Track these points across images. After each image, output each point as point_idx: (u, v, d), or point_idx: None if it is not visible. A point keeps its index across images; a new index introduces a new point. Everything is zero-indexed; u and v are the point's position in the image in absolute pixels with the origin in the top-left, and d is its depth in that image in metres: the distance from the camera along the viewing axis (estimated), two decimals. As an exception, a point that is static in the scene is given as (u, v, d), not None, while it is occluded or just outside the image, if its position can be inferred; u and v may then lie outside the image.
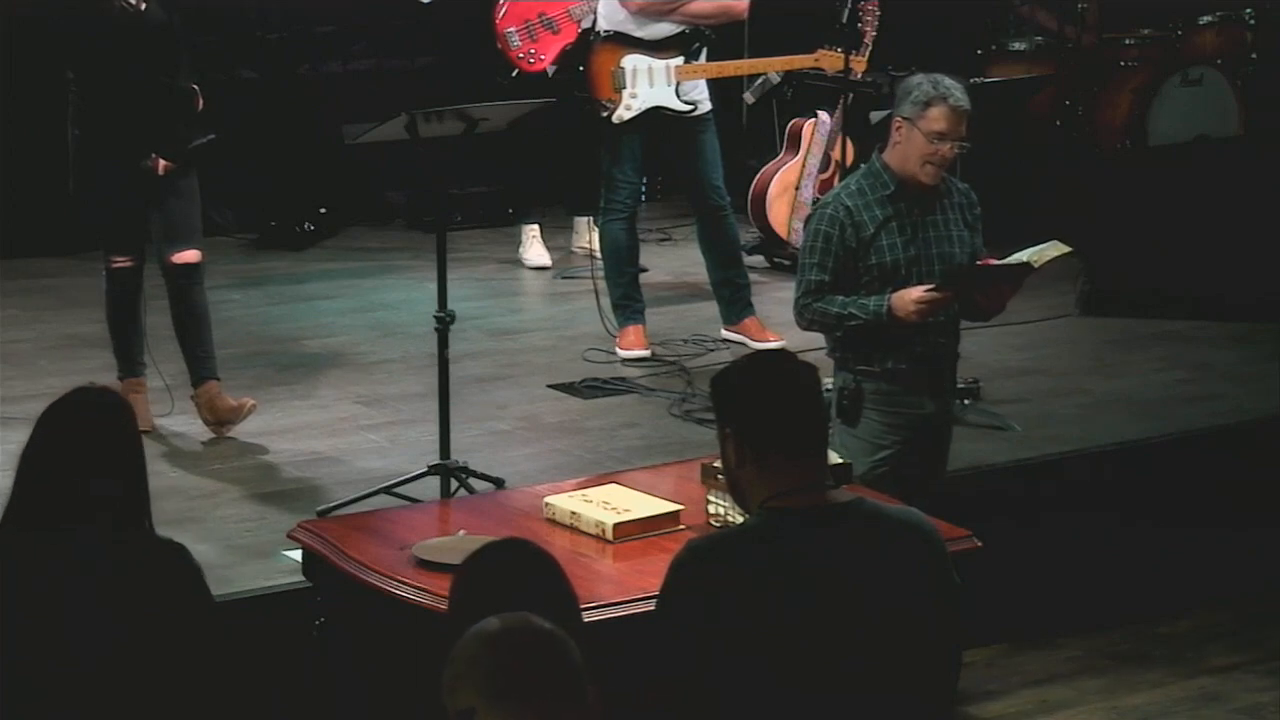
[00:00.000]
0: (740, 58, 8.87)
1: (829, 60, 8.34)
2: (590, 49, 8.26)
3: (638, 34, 8.18)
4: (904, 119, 5.76)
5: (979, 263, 5.82)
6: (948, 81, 5.76)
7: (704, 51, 8.26)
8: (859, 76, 8.55)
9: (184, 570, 3.96)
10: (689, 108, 8.18)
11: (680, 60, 8.17)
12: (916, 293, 5.67)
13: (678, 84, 8.15)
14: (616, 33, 8.21)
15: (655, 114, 8.16)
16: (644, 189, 9.12)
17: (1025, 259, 5.71)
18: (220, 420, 7.18)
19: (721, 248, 8.40)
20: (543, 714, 2.94)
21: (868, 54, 8.40)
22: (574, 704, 2.97)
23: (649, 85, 8.14)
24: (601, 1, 8.31)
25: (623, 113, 8.14)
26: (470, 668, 2.97)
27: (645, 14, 8.16)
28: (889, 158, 5.82)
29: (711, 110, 8.31)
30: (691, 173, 8.31)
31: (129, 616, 3.82)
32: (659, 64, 8.15)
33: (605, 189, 8.26)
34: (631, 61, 8.14)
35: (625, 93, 8.13)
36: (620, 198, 8.24)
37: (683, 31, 8.20)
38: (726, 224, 8.39)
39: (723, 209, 8.35)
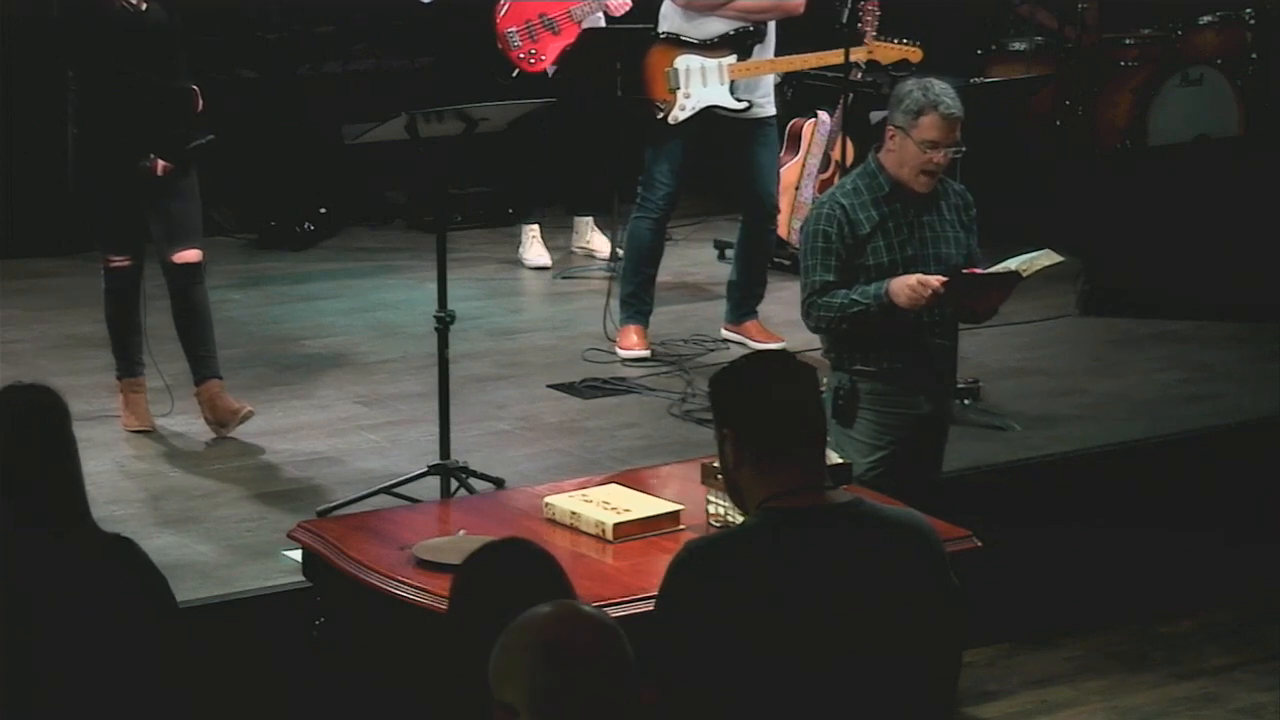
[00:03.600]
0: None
1: (883, 51, 8.31)
2: (645, 50, 8.23)
3: (691, 34, 8.17)
4: (896, 127, 5.75)
5: (966, 271, 5.80)
6: (938, 88, 5.74)
7: (760, 49, 8.20)
8: (860, 73, 8.56)
9: (133, 566, 3.85)
10: (743, 106, 8.15)
11: (733, 59, 8.15)
12: (916, 276, 5.67)
13: (732, 82, 8.14)
14: (671, 34, 8.20)
15: (709, 114, 8.15)
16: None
17: (1014, 268, 5.70)
18: (220, 421, 7.18)
19: (755, 255, 8.42)
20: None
21: (909, 43, 8.40)
22: (623, 708, 2.91)
23: (702, 85, 8.12)
24: (665, 3, 8.30)
25: (677, 113, 8.13)
26: (520, 669, 2.89)
27: (693, 9, 8.15)
28: (884, 159, 5.81)
29: (774, 115, 8.29)
30: (745, 177, 8.27)
31: (80, 617, 3.71)
32: (711, 63, 8.13)
33: (643, 186, 8.25)
34: (684, 62, 8.13)
35: (679, 93, 8.12)
36: (656, 197, 8.24)
37: (737, 30, 8.18)
38: (768, 234, 8.43)
39: (771, 219, 8.38)
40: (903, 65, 8.52)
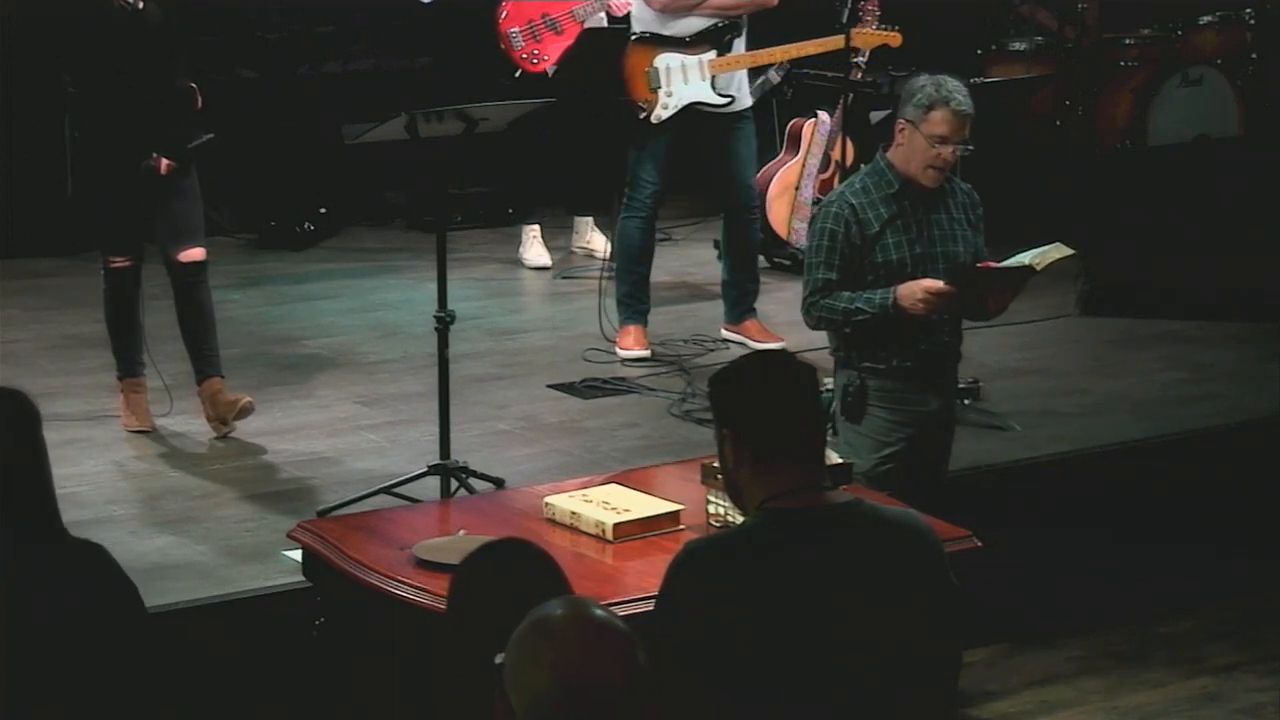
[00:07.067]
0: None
1: (863, 39, 8.32)
2: (623, 51, 8.23)
3: (667, 32, 8.17)
4: (907, 122, 5.76)
5: (980, 265, 5.81)
6: (950, 84, 5.75)
7: (739, 42, 8.21)
8: (861, 72, 8.56)
9: (103, 573, 3.79)
10: (726, 100, 8.16)
11: (713, 54, 8.15)
12: (924, 283, 5.68)
13: (713, 77, 8.14)
14: (648, 33, 8.20)
15: (691, 111, 8.15)
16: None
17: (1027, 262, 5.71)
18: (220, 416, 7.17)
19: (740, 249, 8.41)
20: None
21: (889, 28, 8.39)
22: None
23: (684, 82, 8.13)
24: (634, 3, 8.31)
25: (660, 112, 8.13)
26: (529, 687, 2.87)
27: (670, 11, 8.15)
28: (893, 156, 5.82)
29: (750, 108, 8.30)
30: (723, 170, 8.28)
31: (49, 624, 3.65)
32: (692, 60, 8.14)
33: (629, 186, 8.26)
34: (664, 60, 8.13)
35: (661, 92, 8.12)
36: (642, 196, 8.24)
37: (714, 25, 8.18)
38: (751, 226, 8.41)
39: (751, 209, 8.38)
40: (904, 63, 8.53)
